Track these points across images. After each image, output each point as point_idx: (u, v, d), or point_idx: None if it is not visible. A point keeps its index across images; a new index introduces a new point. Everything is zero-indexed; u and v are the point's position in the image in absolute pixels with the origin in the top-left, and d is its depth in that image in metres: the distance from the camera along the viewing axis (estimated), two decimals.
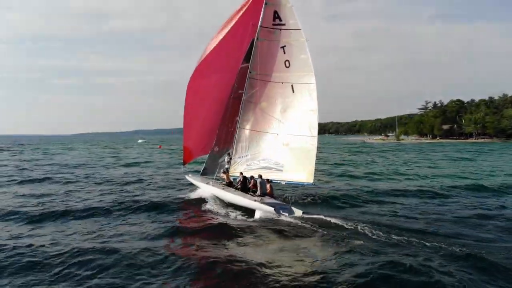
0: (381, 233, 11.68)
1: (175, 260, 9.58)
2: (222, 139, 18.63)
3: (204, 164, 19.48)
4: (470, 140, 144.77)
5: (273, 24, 16.75)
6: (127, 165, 36.93)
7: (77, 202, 16.91)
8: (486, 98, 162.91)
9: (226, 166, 17.85)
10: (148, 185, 22.50)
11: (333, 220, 13.20)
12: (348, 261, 9.38)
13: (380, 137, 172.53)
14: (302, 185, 16.64)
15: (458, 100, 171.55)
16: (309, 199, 17.46)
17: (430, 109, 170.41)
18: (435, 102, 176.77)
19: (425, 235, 11.68)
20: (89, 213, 14.79)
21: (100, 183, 23.11)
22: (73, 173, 28.77)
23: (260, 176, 15.92)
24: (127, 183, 23.04)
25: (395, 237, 11.27)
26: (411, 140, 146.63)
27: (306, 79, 16.19)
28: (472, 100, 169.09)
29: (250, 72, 17.19)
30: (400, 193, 20.46)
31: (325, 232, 11.83)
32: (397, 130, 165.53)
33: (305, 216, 13.87)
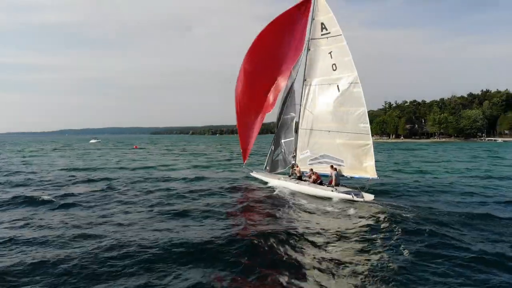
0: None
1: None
2: (280, 138, 22.19)
3: (267, 161, 22.90)
4: (433, 140, 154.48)
5: (321, 35, 20.06)
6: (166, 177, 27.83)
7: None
8: (437, 99, 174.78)
9: (292, 161, 21.23)
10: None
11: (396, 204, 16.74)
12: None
13: None
14: (367, 180, 18.84)
15: (415, 101, 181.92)
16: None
17: (392, 109, 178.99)
18: (394, 102, 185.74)
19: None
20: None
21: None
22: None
23: (335, 169, 19.08)
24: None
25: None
26: (375, 139, 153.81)
27: (350, 79, 19.12)
28: (423, 101, 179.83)
29: (305, 80, 20.72)
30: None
31: (393, 214, 14.83)
32: None
33: (376, 200, 17.25)
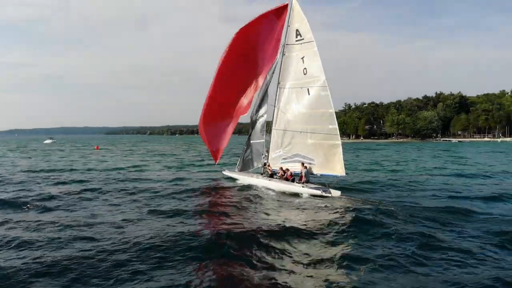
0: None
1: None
2: (251, 139, 23.22)
3: (239, 161, 23.85)
4: (391, 140, 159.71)
5: (296, 41, 21.25)
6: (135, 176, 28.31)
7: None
8: (394, 101, 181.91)
9: (264, 161, 22.30)
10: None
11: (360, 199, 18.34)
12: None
13: None
14: (336, 177, 20.33)
15: (373, 103, 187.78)
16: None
17: (352, 111, 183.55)
18: (354, 104, 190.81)
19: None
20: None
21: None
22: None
23: (306, 167, 20.24)
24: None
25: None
26: None
27: (319, 83, 20.43)
28: (381, 103, 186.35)
29: (279, 83, 21.82)
30: None
31: (358, 207, 16.19)
32: None
33: (343, 195, 18.71)
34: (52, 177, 27.19)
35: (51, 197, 18.92)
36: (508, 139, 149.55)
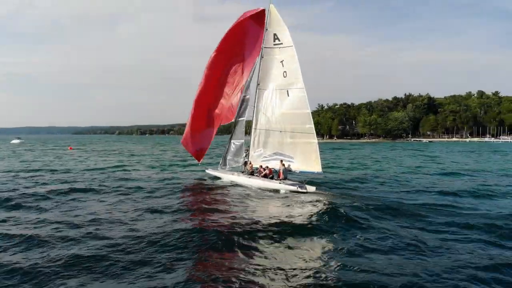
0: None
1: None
2: (232, 139, 24.34)
3: (221, 160, 24.81)
4: (363, 140, 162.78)
5: (274, 44, 22.59)
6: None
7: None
8: (365, 102, 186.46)
9: (246, 159, 23.46)
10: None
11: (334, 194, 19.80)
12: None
13: None
14: (312, 173, 21.90)
15: (345, 103, 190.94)
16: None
17: (325, 111, 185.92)
18: (326, 105, 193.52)
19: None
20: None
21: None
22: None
23: (284, 165, 21.58)
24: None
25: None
26: None
27: (298, 85, 21.84)
28: (352, 104, 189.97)
29: (258, 85, 23.07)
30: None
31: (331, 201, 17.51)
32: None
33: (317, 191, 20.01)
34: (35, 178, 26.60)
35: (42, 197, 18.61)
36: (476, 139, 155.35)
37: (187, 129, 24.68)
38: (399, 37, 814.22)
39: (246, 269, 9.35)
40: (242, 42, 23.02)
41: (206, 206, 16.86)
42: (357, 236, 12.03)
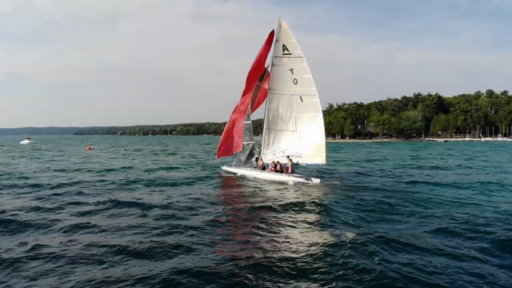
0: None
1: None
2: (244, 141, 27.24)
3: (236, 158, 27.88)
4: (376, 140, 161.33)
5: (283, 54, 25.75)
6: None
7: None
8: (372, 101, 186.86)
9: (257, 156, 26.84)
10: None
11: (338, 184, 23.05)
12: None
13: None
14: (318, 165, 25.81)
15: (355, 103, 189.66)
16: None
17: (335, 111, 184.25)
18: (336, 104, 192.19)
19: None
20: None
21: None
22: None
23: (291, 160, 24.86)
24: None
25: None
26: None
27: (311, 92, 25.06)
28: (362, 103, 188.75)
29: (269, 89, 26.29)
30: None
31: (334, 192, 20.47)
32: None
33: (322, 183, 23.23)
34: (71, 176, 27.69)
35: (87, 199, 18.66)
36: (490, 138, 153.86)
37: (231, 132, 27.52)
38: (396, 38, 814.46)
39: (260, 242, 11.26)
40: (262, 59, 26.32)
41: (230, 196, 19.95)
42: (355, 223, 13.46)
